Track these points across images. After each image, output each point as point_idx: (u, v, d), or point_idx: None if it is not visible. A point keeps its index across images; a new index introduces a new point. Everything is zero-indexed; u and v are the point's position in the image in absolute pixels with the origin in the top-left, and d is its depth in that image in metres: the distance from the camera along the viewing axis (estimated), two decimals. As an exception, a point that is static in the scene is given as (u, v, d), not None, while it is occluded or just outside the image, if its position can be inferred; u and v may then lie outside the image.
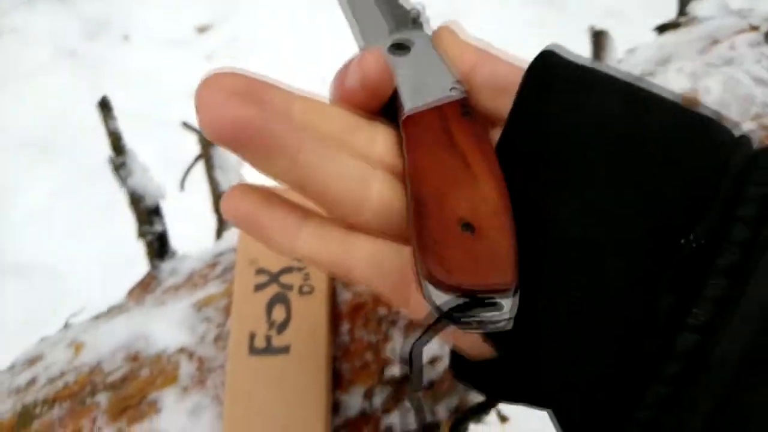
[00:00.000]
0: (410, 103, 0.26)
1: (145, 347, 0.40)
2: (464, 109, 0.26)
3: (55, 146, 1.90)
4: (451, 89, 0.27)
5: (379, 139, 0.26)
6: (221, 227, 0.63)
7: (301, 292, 0.37)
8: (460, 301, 0.21)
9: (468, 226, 0.22)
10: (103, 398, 0.39)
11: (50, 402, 0.40)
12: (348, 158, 0.24)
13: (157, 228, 0.44)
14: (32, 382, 0.41)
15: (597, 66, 0.25)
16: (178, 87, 2.10)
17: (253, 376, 0.35)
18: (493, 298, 0.21)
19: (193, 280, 0.43)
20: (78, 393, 0.40)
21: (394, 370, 0.39)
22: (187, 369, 0.39)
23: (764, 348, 0.19)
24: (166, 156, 1.78)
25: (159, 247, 0.44)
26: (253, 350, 0.36)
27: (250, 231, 0.25)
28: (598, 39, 0.67)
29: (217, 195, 0.67)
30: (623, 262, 0.21)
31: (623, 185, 0.22)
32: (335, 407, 0.38)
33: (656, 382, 0.20)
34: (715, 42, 0.53)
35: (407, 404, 0.39)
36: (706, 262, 0.20)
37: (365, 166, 0.24)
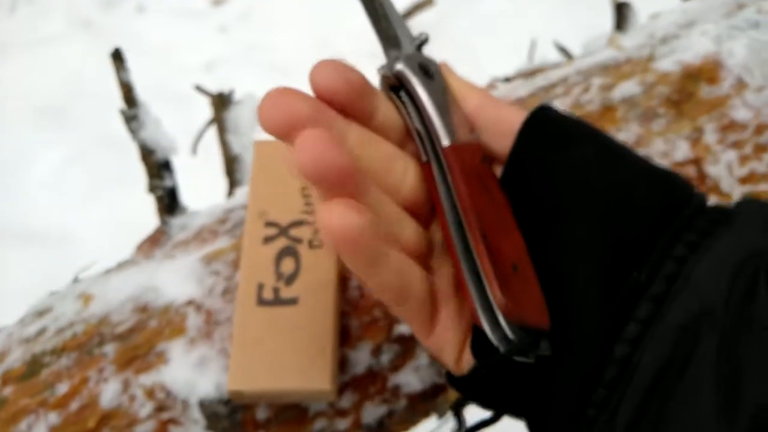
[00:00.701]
0: (449, 136, 0.28)
1: (154, 299, 0.40)
2: (483, 155, 0.29)
3: (69, 114, 1.90)
4: (471, 132, 0.29)
5: (411, 168, 0.29)
6: (232, 189, 0.62)
7: (311, 245, 0.37)
8: (531, 336, 0.24)
9: (515, 268, 0.25)
10: (110, 349, 0.39)
11: (59, 352, 0.40)
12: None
13: (168, 183, 0.44)
14: (41, 332, 0.42)
15: (581, 120, 0.30)
16: (191, 58, 2.10)
17: (261, 327, 0.35)
18: (545, 334, 0.25)
19: (202, 236, 0.43)
20: (86, 343, 0.40)
21: (403, 328, 0.39)
22: (194, 321, 0.39)
23: (675, 359, 0.23)
24: (179, 126, 1.78)
25: (169, 202, 0.44)
26: (261, 301, 0.36)
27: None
28: (621, 11, 0.66)
29: (228, 157, 0.66)
30: (585, 293, 0.25)
31: (593, 223, 0.26)
32: (342, 363, 0.38)
33: (598, 385, 0.24)
34: (741, 6, 0.52)
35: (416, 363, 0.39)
36: (643, 290, 0.25)
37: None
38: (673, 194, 0.28)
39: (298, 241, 0.37)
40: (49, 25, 2.10)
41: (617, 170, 0.28)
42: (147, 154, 0.43)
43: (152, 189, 0.44)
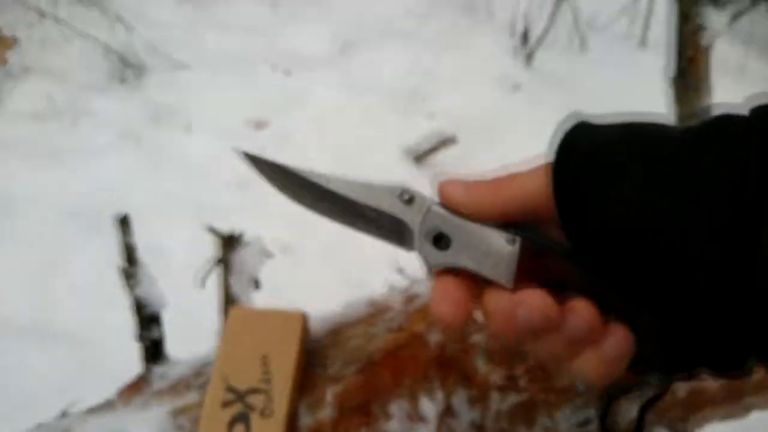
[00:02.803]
0: (508, 280, 0.30)
1: (122, 447, 0.44)
2: (529, 248, 0.31)
3: (104, 220, 2.02)
4: (507, 242, 0.31)
5: None
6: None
7: (262, 414, 0.41)
8: None
9: None
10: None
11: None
12: None
13: (155, 334, 0.49)
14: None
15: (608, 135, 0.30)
16: (228, 177, 2.24)
17: (207, 491, 0.38)
18: None
19: (177, 388, 0.47)
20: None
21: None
22: (154, 474, 0.42)
23: None
24: (202, 244, 1.88)
25: (153, 352, 0.49)
26: (210, 465, 0.39)
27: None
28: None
29: (228, 297, 0.72)
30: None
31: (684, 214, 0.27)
32: None
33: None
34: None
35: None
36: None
37: None
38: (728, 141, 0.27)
39: (251, 408, 0.41)
40: (103, 137, 2.29)
41: (668, 170, 0.28)
42: (140, 307, 0.49)
43: (140, 339, 0.49)
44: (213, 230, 0.81)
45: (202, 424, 0.40)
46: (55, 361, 1.66)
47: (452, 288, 0.31)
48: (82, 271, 1.83)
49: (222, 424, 0.40)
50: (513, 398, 0.45)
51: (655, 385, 0.38)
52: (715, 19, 0.67)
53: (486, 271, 0.31)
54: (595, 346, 0.29)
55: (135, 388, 0.48)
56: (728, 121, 0.28)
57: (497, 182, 0.32)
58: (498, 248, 0.31)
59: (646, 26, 2.72)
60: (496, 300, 0.30)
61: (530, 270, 0.31)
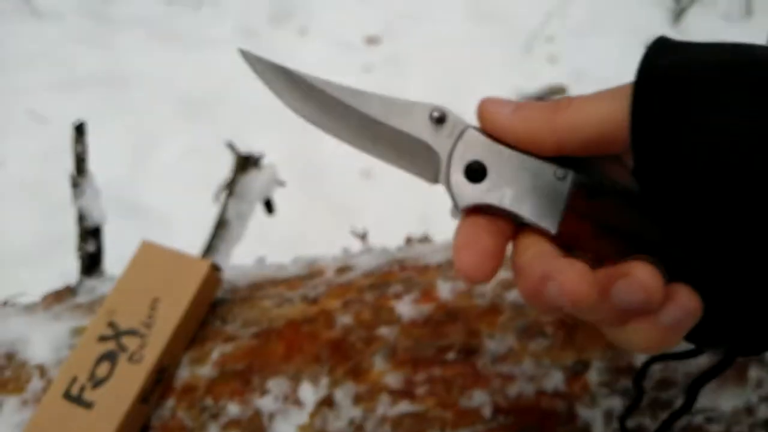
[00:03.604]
0: (552, 223, 0.25)
1: (22, 351, 0.45)
2: (584, 187, 0.25)
3: (204, 111, 2.10)
4: (556, 177, 0.25)
5: None
6: (208, 252, 0.67)
7: (131, 358, 0.39)
8: None
9: None
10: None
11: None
12: None
13: (91, 248, 0.49)
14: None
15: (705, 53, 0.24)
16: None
17: (54, 420, 0.38)
18: None
19: (94, 306, 0.47)
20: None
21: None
22: (35, 385, 0.43)
23: None
24: (283, 153, 1.90)
25: (89, 265, 0.49)
26: (67, 394, 0.39)
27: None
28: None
29: (220, 220, 0.71)
30: None
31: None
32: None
33: None
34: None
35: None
36: None
37: None
38: None
39: (123, 349, 0.40)
40: (219, 30, 2.34)
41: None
42: (81, 219, 0.49)
43: (79, 249, 0.49)
44: (231, 147, 0.80)
45: (72, 353, 0.39)
46: (135, 232, 1.79)
47: (482, 233, 0.26)
48: (174, 156, 1.93)
49: (91, 357, 0.39)
50: (404, 406, 0.40)
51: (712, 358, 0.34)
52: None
53: (526, 212, 0.25)
54: (653, 314, 0.24)
55: (58, 297, 0.48)
56: None
57: (554, 106, 0.26)
58: (544, 183, 0.25)
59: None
60: (530, 256, 0.25)
61: (582, 214, 0.25)
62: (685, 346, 0.29)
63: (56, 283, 0.52)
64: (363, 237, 0.55)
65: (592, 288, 0.23)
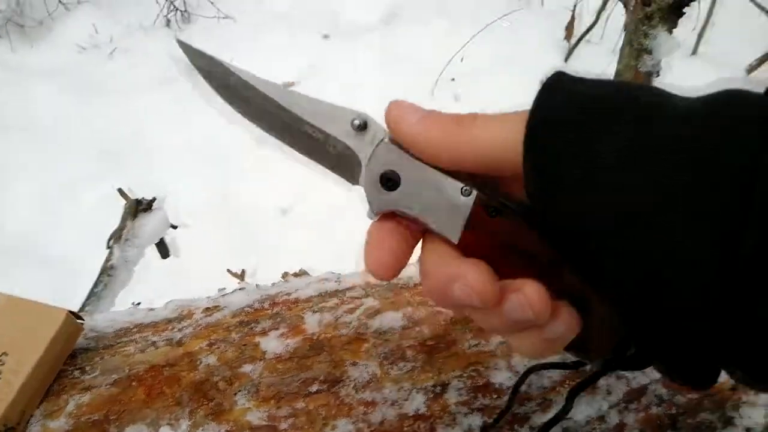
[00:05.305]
0: (455, 234, 0.26)
1: None
2: (487, 206, 0.26)
3: (120, 158, 2.03)
4: (462, 192, 0.26)
5: None
6: (88, 300, 0.63)
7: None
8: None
9: None
10: None
11: None
12: None
13: None
14: None
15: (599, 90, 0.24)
16: (250, 131, 2.20)
17: None
18: None
19: None
20: None
21: None
22: None
23: None
24: (201, 195, 1.86)
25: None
26: None
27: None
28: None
29: (104, 266, 0.68)
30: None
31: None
32: None
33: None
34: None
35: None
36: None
37: None
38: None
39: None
40: (137, 77, 2.29)
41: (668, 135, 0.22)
42: None
43: None
44: (122, 192, 0.77)
45: None
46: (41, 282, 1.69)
47: (392, 235, 0.27)
48: (89, 202, 1.85)
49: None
50: (267, 444, 0.39)
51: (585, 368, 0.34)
52: (663, 42, 0.56)
53: (432, 221, 0.27)
54: (539, 327, 0.25)
55: None
56: (742, 99, 0.22)
57: (458, 121, 0.26)
58: (450, 198, 0.27)
59: (700, 36, 2.49)
60: (435, 260, 0.27)
61: (481, 227, 0.26)
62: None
63: None
64: (241, 276, 0.53)
65: (495, 285, 0.24)
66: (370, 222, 0.29)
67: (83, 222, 1.81)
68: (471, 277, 0.24)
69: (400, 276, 0.47)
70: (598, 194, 0.22)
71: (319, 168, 0.30)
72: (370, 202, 0.28)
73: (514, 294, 0.25)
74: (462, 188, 0.26)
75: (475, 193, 0.26)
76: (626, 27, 0.58)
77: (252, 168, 2.04)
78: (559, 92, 0.24)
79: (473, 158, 0.26)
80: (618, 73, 0.59)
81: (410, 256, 0.28)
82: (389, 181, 0.27)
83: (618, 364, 0.28)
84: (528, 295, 0.24)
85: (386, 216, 0.28)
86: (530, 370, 0.36)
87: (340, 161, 0.29)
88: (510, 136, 0.24)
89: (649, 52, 0.57)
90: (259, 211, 1.90)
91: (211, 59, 0.31)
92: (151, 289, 0.86)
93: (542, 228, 0.25)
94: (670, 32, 0.56)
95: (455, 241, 0.26)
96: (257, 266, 1.46)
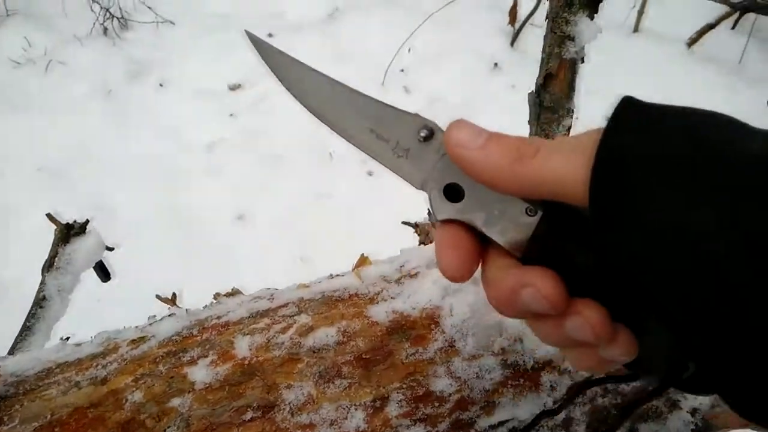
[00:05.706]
0: (519, 249, 0.26)
1: None
2: (551, 226, 0.26)
3: (65, 177, 1.96)
4: (527, 212, 0.26)
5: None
6: (22, 334, 0.60)
7: None
8: None
9: None
10: None
11: None
12: None
13: None
14: None
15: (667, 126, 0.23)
16: (198, 138, 2.15)
17: None
18: None
19: None
20: None
21: None
22: None
23: None
24: (165, 201, 1.80)
25: None
26: None
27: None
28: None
29: (37, 299, 0.64)
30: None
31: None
32: None
33: None
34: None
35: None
36: None
37: None
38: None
39: None
40: (73, 90, 2.20)
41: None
42: None
43: None
44: (51, 217, 0.73)
45: None
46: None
47: (461, 237, 0.27)
48: (34, 227, 1.78)
49: None
50: (202, 479, 0.37)
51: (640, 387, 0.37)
52: (585, 28, 0.56)
53: (496, 235, 0.27)
54: (596, 346, 0.26)
55: None
56: None
57: (520, 151, 0.25)
58: (514, 215, 0.27)
59: (641, 13, 2.53)
60: (500, 269, 0.27)
61: (543, 245, 0.26)
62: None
63: None
64: (173, 300, 0.51)
65: (563, 293, 0.25)
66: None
67: (21, 247, 1.74)
68: (540, 284, 0.25)
69: (334, 287, 0.46)
70: (670, 237, 0.22)
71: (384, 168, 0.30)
72: (434, 211, 0.28)
73: (575, 316, 0.25)
74: (527, 208, 0.27)
75: (540, 214, 0.26)
76: (548, 15, 0.58)
77: (203, 174, 2.00)
78: (628, 126, 0.23)
79: (532, 190, 0.26)
80: (543, 60, 0.59)
81: (480, 256, 0.28)
82: (453, 192, 0.28)
83: (674, 383, 0.28)
84: (590, 318, 0.25)
85: (452, 221, 0.28)
86: (586, 385, 0.38)
87: (404, 166, 0.29)
88: (575, 172, 0.24)
89: (572, 38, 0.56)
90: (212, 218, 1.85)
91: (283, 56, 0.32)
92: (87, 318, 0.82)
93: (605, 253, 0.25)
94: (592, 18, 0.55)
95: (519, 255, 0.27)
96: (208, 277, 1.43)
